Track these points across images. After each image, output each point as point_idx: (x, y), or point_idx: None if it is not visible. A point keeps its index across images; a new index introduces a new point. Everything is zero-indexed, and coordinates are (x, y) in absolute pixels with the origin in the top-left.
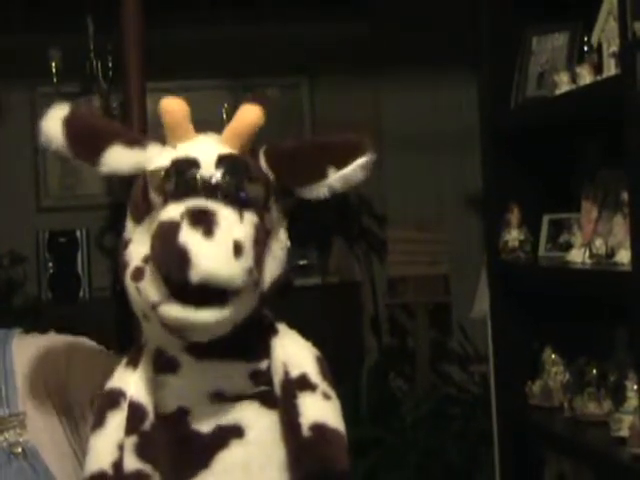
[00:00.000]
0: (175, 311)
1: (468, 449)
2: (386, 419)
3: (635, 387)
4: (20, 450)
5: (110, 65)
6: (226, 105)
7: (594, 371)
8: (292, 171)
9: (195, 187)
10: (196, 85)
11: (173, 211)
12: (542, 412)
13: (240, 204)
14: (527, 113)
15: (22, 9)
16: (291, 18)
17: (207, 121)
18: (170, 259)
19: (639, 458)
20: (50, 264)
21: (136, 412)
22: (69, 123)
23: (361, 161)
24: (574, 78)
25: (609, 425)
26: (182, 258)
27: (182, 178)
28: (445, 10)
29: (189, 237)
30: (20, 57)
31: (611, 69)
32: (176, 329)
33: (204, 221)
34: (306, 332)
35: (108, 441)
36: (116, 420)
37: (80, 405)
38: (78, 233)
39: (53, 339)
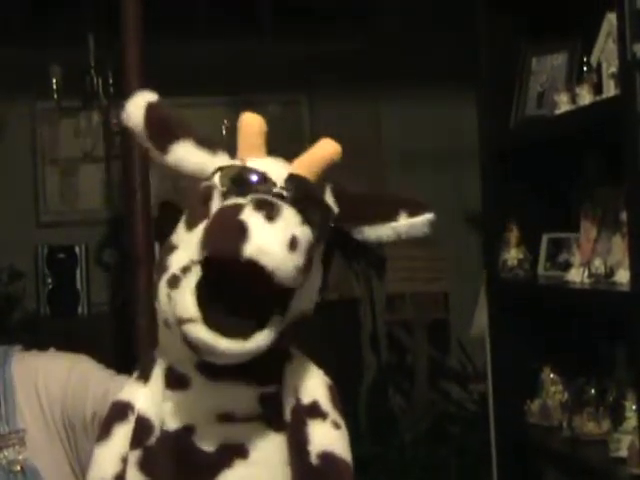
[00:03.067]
0: (201, 333)
1: (467, 467)
2: (385, 436)
3: (634, 407)
4: (19, 468)
5: (110, 81)
6: (226, 121)
7: (593, 390)
8: (362, 208)
9: (262, 192)
10: (196, 101)
11: (237, 200)
12: (541, 431)
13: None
14: (527, 132)
15: (24, 25)
16: (291, 34)
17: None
18: (227, 233)
19: (638, 478)
20: (49, 279)
21: (143, 426)
22: (152, 107)
23: (430, 216)
24: (574, 98)
25: (608, 445)
26: (240, 231)
27: (251, 183)
28: (445, 27)
29: (251, 216)
30: (21, 72)
31: (610, 90)
32: (196, 348)
33: (268, 207)
34: (304, 348)
35: (112, 453)
36: (122, 433)
37: (80, 421)
38: (77, 248)
39: (53, 356)
